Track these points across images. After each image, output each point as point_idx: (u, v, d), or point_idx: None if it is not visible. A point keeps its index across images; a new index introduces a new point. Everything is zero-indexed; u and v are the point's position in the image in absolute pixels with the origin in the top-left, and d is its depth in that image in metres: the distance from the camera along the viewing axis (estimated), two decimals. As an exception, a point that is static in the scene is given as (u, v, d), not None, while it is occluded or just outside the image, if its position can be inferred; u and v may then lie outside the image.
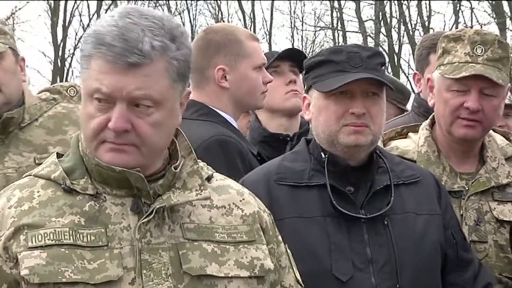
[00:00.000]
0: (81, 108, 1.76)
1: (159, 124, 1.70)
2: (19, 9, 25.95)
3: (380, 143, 2.55)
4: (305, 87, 2.32)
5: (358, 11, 26.17)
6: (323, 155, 2.20)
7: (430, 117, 2.60)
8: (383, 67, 2.29)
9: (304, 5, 27.74)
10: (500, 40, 2.48)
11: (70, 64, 26.18)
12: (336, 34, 27.35)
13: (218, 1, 26.83)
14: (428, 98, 2.61)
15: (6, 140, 2.72)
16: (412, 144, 2.55)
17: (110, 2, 25.77)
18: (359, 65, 2.17)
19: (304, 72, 2.36)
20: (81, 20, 26.79)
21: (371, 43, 26.20)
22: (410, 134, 2.63)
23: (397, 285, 2.12)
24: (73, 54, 26.08)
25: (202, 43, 2.86)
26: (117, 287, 1.67)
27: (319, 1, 27.75)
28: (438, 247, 2.22)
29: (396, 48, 25.59)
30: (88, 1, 26.49)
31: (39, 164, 2.41)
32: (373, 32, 26.49)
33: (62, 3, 25.92)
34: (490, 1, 23.52)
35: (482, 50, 2.41)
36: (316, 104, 2.21)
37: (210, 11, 27.36)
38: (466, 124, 2.39)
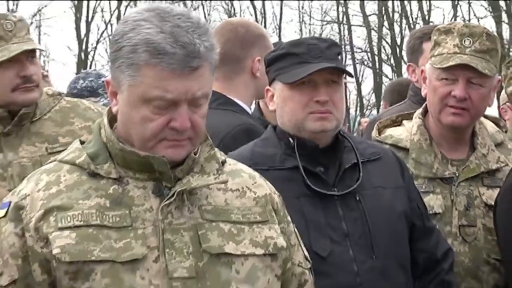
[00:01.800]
0: (128, 111, 1.72)
1: (205, 115, 1.72)
2: (45, 6, 26.13)
3: (375, 131, 2.58)
4: (268, 79, 2.34)
5: (362, 6, 26.32)
6: (291, 140, 2.22)
7: (423, 106, 2.60)
8: (340, 56, 2.31)
9: (311, 0, 28.02)
10: (488, 33, 2.48)
11: (92, 57, 26.58)
12: (341, 28, 27.48)
13: (232, -1, 27.19)
14: (422, 88, 2.62)
15: (19, 132, 2.74)
16: (405, 133, 2.54)
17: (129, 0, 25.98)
18: (319, 56, 2.19)
19: (266, 65, 2.38)
20: (102, 16, 27.11)
21: (374, 36, 26.41)
22: (404, 122, 2.63)
23: (373, 256, 2.15)
24: (95, 48, 26.39)
25: (236, 36, 2.89)
26: (142, 265, 1.67)
27: (326, -3, 28.33)
28: (403, 218, 2.26)
29: (398, 41, 25.68)
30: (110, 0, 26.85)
31: (51, 153, 2.46)
32: (377, 26, 26.56)
33: (85, 2, 26.33)
34: (487, -4, 23.53)
35: (470, 42, 2.41)
36: (280, 95, 2.23)
37: (223, 7, 27.55)
38: (454, 112, 2.38)
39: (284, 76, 2.19)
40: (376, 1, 26.01)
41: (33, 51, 2.71)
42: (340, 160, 2.21)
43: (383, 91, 16.23)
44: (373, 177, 2.24)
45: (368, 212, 2.18)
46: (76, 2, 25.88)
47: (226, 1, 27.36)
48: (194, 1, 26.19)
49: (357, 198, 2.19)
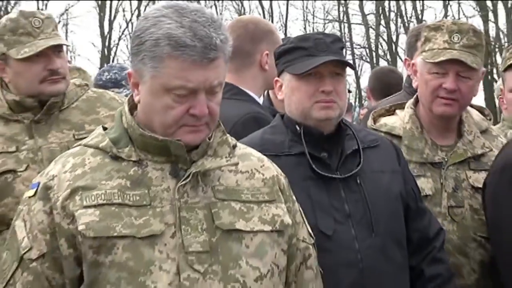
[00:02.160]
0: (151, 100, 1.71)
1: (220, 102, 1.72)
2: (72, 6, 26.26)
3: (370, 120, 2.58)
4: (277, 71, 2.33)
5: (361, 6, 26.42)
6: (298, 128, 2.20)
7: (414, 96, 2.58)
8: (343, 50, 2.32)
9: (315, 0, 28.28)
10: (475, 29, 2.47)
11: (115, 53, 26.67)
12: (342, 26, 27.55)
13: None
14: (413, 80, 2.60)
15: (48, 120, 2.72)
16: (399, 121, 2.53)
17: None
18: (325, 50, 2.17)
19: (275, 58, 2.36)
20: (124, 15, 27.21)
21: (372, 33, 26.52)
22: (397, 111, 2.61)
23: (372, 234, 2.14)
24: (117, 44, 26.54)
25: (246, 32, 2.89)
26: (160, 240, 1.66)
27: (328, -3, 28.58)
28: (400, 199, 2.25)
29: (394, 38, 25.83)
30: (131, 0, 27.03)
31: (78, 139, 2.43)
32: (374, 24, 26.63)
33: (108, 2, 26.50)
34: (475, -4, 23.56)
35: (458, 38, 2.39)
36: (288, 85, 2.21)
37: (234, 7, 27.73)
38: (445, 102, 2.37)
39: (292, 67, 2.18)
40: (374, 1, 26.16)
41: (59, 46, 2.68)
42: (342, 147, 2.20)
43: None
44: (372, 162, 2.23)
45: (368, 194, 2.17)
46: (99, 2, 26.02)
47: (237, 1, 27.54)
48: (207, 1, 26.22)
49: (358, 181, 2.17)
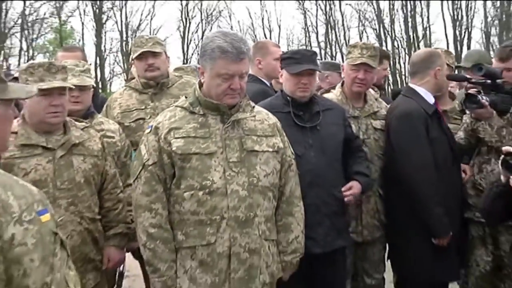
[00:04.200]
0: (210, 81, 2.36)
1: (245, 82, 2.36)
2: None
3: (320, 96, 3.45)
4: (281, 68, 3.21)
5: None
6: (288, 98, 3.04)
7: (341, 82, 3.60)
8: (316, 59, 3.18)
9: None
10: (374, 46, 3.51)
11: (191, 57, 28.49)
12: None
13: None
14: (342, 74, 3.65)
15: (161, 93, 3.66)
16: (334, 96, 3.52)
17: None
18: (307, 60, 3.03)
19: (280, 61, 3.23)
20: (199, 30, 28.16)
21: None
22: (332, 90, 3.65)
23: (323, 156, 2.96)
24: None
25: (255, 48, 3.94)
26: (215, 155, 2.34)
27: None
28: (342, 138, 3.11)
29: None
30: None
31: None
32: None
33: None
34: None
35: (366, 51, 3.40)
36: (285, 77, 3.09)
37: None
38: (359, 85, 3.43)
39: (288, 68, 3.08)
40: None
41: (155, 52, 3.62)
42: (311, 109, 3.06)
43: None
44: (328, 118, 3.08)
45: (323, 135, 3.02)
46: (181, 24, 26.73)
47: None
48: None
49: (318, 128, 3.04)
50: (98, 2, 22.91)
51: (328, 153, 3.02)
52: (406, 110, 3.28)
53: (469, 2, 30.23)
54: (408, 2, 29.85)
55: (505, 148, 2.39)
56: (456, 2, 29.98)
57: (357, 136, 3.31)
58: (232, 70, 2.30)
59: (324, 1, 29.72)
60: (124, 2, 24.41)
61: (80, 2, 25.52)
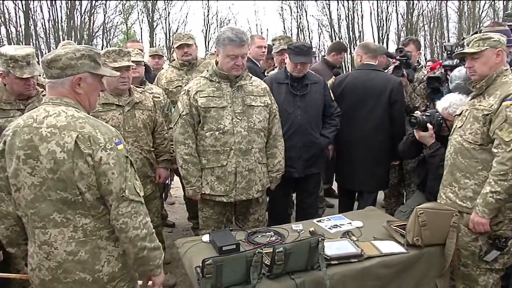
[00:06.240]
0: (222, 59, 2.96)
1: (246, 61, 3.01)
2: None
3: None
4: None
5: None
6: (288, 74, 3.84)
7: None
8: (311, 52, 3.94)
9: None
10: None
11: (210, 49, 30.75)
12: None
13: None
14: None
15: (190, 70, 4.68)
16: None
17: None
18: (303, 53, 3.77)
19: (287, 48, 4.02)
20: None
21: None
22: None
23: (306, 114, 3.76)
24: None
25: (251, 40, 4.70)
26: (226, 108, 3.03)
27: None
28: (322, 103, 3.99)
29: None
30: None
31: None
32: None
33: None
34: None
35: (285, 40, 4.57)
36: (288, 61, 3.90)
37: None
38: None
39: (290, 56, 3.88)
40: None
41: (188, 44, 4.58)
42: (303, 82, 3.90)
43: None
44: (313, 89, 3.94)
45: (308, 101, 3.89)
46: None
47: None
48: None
49: (305, 96, 3.90)
50: (151, 14, 33.65)
51: (309, 113, 3.95)
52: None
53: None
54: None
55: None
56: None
57: (333, 100, 4.25)
58: (237, 52, 3.05)
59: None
60: (167, 13, 34.57)
61: (139, 14, 36.16)
